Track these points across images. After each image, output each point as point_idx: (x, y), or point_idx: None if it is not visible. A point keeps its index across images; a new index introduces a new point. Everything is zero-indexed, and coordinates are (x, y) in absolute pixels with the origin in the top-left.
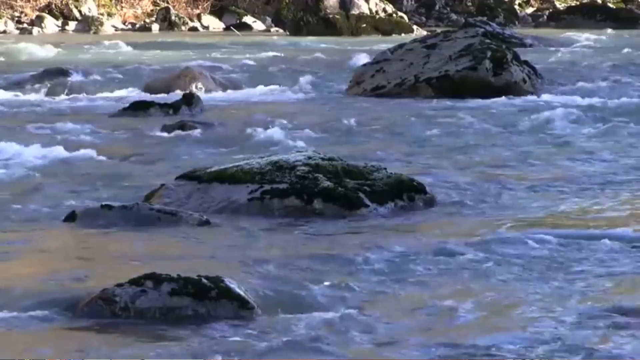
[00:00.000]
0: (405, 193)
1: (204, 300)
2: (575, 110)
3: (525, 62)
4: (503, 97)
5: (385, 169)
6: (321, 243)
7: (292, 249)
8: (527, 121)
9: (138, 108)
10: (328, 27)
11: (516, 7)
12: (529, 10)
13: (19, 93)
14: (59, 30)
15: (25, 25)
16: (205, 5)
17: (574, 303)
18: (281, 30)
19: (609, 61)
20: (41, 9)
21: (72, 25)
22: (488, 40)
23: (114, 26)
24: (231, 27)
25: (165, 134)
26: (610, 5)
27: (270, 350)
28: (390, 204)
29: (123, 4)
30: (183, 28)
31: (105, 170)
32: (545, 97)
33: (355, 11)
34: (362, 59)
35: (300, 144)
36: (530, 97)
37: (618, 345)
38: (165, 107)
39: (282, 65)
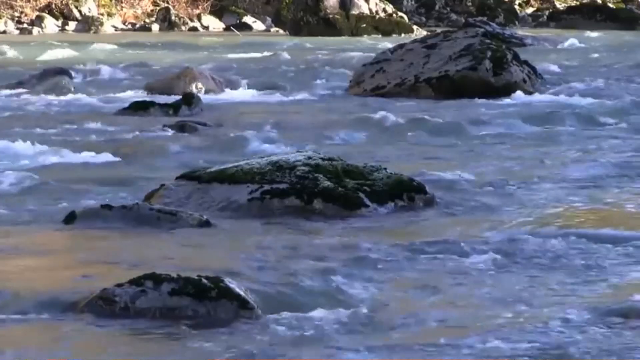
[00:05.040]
0: (405, 193)
1: (204, 300)
2: (575, 111)
3: (525, 62)
4: (503, 97)
5: (385, 169)
6: (321, 243)
7: (292, 249)
8: (526, 121)
9: (138, 108)
10: (328, 27)
11: (516, 7)
12: (529, 10)
13: (18, 93)
14: (59, 30)
15: (25, 25)
16: (205, 5)
17: (575, 303)
18: (281, 30)
19: (609, 61)
20: (41, 9)
21: (72, 25)
22: (488, 40)
23: (114, 26)
24: (231, 27)
25: (165, 134)
26: (610, 5)
27: (271, 350)
28: (390, 204)
29: (123, 4)
30: (183, 28)
31: (105, 170)
32: (545, 97)
33: (355, 11)
34: (362, 59)
35: (300, 144)
36: (530, 97)
37: (622, 346)
38: (165, 107)
39: (282, 66)
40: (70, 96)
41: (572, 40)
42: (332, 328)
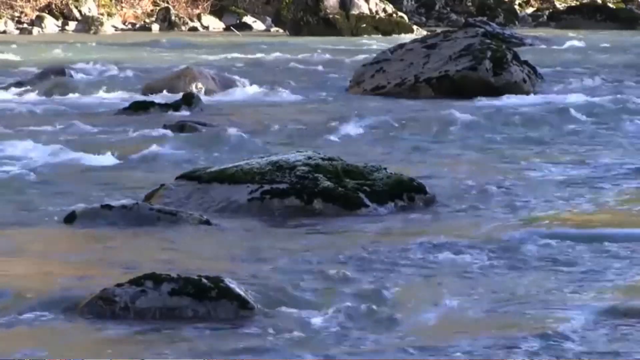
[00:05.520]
0: (405, 193)
1: (204, 300)
2: (575, 110)
3: (525, 62)
4: (503, 97)
5: (385, 169)
6: (321, 243)
7: (292, 249)
8: (526, 121)
9: (138, 108)
10: (328, 27)
11: (516, 7)
12: (529, 10)
13: (19, 93)
14: (59, 30)
15: (25, 25)
16: (205, 5)
17: (575, 303)
18: (281, 30)
19: (608, 61)
20: (41, 9)
21: (72, 25)
22: (488, 40)
23: (114, 26)
24: (231, 27)
25: (165, 134)
26: (610, 5)
27: (271, 350)
28: (390, 204)
29: (123, 4)
30: (183, 28)
31: (105, 170)
32: (545, 97)
33: (355, 11)
34: (362, 59)
35: (300, 144)
36: (530, 97)
37: (620, 346)
38: (165, 107)
39: (282, 66)
40: (70, 96)
41: (572, 40)
42: (332, 328)
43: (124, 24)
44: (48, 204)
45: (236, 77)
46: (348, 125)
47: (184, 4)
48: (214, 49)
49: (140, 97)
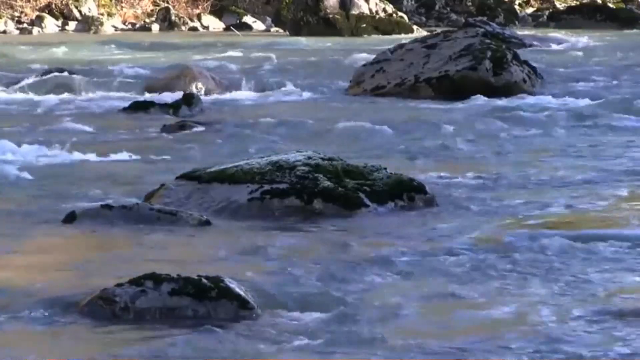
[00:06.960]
0: (405, 193)
1: (204, 300)
2: (575, 110)
3: (525, 62)
4: (503, 97)
5: (385, 169)
6: (321, 243)
7: (291, 249)
8: (526, 121)
9: (138, 108)
10: (328, 27)
11: (516, 7)
12: (529, 10)
13: (19, 93)
14: (59, 30)
15: (25, 25)
16: (205, 5)
17: (574, 304)
18: (281, 30)
19: (608, 61)
20: (41, 9)
21: (72, 25)
22: (488, 40)
23: (114, 26)
24: (231, 27)
25: (165, 134)
26: (610, 5)
27: (270, 350)
28: (390, 204)
29: (123, 4)
30: (183, 28)
31: (105, 170)
32: (545, 97)
33: (355, 11)
34: (362, 59)
35: (300, 144)
36: (530, 97)
37: (619, 346)
38: (165, 107)
39: (281, 66)
40: (70, 96)
41: (572, 40)
42: (332, 328)
43: (124, 24)
44: (48, 204)
45: (236, 77)
46: (348, 125)
47: (184, 4)
48: (214, 49)
49: (140, 97)
